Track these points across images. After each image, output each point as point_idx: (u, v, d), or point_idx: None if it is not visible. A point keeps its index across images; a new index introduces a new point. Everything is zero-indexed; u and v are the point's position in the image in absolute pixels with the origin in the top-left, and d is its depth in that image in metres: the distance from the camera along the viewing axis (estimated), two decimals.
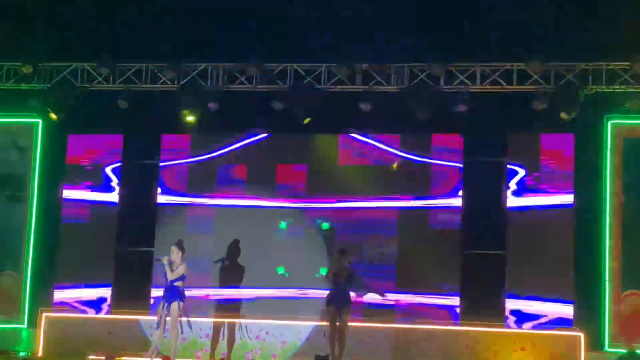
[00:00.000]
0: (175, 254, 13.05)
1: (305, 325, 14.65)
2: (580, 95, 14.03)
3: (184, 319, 12.95)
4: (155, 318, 13.25)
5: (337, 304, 12.96)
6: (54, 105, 15.16)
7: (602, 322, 14.19)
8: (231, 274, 15.09)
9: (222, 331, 14.61)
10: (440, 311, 14.63)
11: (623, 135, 14.61)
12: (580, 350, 13.74)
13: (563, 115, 13.99)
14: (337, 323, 12.94)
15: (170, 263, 12.93)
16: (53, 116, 15.09)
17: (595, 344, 13.99)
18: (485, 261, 14.87)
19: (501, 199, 14.83)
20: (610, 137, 14.57)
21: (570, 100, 14.00)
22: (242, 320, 14.70)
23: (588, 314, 14.17)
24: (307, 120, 14.57)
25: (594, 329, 14.08)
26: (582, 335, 13.83)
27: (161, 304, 12.98)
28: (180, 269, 12.98)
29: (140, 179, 16.01)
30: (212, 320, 14.71)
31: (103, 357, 13.61)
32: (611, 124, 14.60)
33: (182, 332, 12.94)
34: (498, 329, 14.18)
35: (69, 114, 15.28)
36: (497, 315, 14.37)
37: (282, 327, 14.74)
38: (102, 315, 15.28)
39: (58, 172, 16.01)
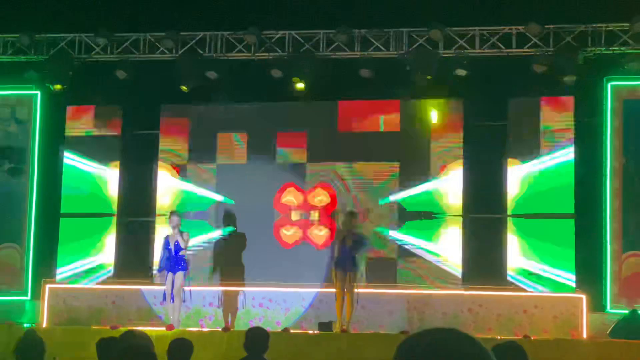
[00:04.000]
0: (179, 221, 13.05)
1: (309, 292, 14.57)
2: (579, 57, 13.92)
3: (186, 288, 12.94)
4: (162, 289, 13.22)
5: (344, 268, 12.87)
6: (52, 77, 15.01)
7: (603, 283, 14.11)
8: (232, 245, 15.03)
9: (225, 300, 14.55)
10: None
11: (623, 96, 14.47)
12: (582, 312, 13.69)
13: (563, 77, 13.89)
14: (345, 289, 12.85)
15: (180, 233, 12.95)
16: (58, 87, 14.92)
17: (597, 305, 13.92)
18: (486, 225, 14.83)
19: (502, 163, 14.74)
20: (610, 98, 14.43)
21: (569, 63, 13.88)
22: (245, 289, 14.63)
23: (590, 276, 14.10)
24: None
25: (596, 290, 14.01)
26: (584, 297, 13.77)
27: (168, 275, 12.94)
28: (186, 237, 12.97)
29: (140, 150, 15.88)
30: (216, 289, 14.63)
31: (107, 328, 13.53)
32: (611, 85, 14.44)
33: (184, 301, 12.96)
34: (501, 292, 14.13)
35: (67, 85, 15.14)
36: (499, 278, 14.32)
37: (286, 295, 14.65)
38: (105, 286, 15.19)
39: (58, 143, 15.85)
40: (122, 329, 12.23)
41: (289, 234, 15.13)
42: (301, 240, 15.09)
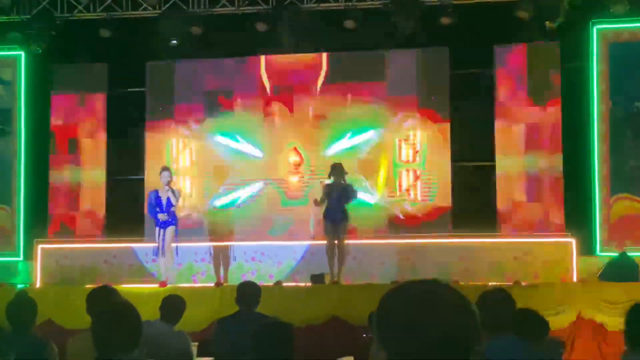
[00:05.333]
0: (170, 178, 13.05)
1: (300, 245, 14.61)
2: (564, 1, 13.84)
3: (174, 244, 12.98)
4: (153, 245, 13.25)
5: (333, 219, 12.90)
6: (35, 37, 14.90)
7: (593, 227, 14.17)
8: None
9: (219, 254, 14.59)
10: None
11: (609, 40, 14.41)
12: (572, 256, 13.76)
13: (548, 23, 13.83)
14: (335, 241, 12.88)
15: (171, 188, 12.96)
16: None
17: (587, 249, 13.97)
18: (474, 174, 14.88)
19: (490, 111, 14.75)
20: (596, 42, 14.36)
21: (554, 8, 13.81)
22: (236, 243, 14.66)
23: (579, 220, 14.17)
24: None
25: (585, 234, 14.08)
26: (573, 241, 13.83)
27: (159, 230, 12.97)
28: (177, 193, 13.02)
29: (127, 108, 15.81)
30: (207, 244, 14.66)
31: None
32: (596, 29, 14.36)
33: (177, 255, 13.03)
34: (491, 239, 14.19)
35: (51, 45, 15.04)
36: (489, 224, 14.37)
37: (277, 248, 14.69)
38: (97, 245, 15.21)
39: (44, 103, 15.76)
40: (116, 287, 12.32)
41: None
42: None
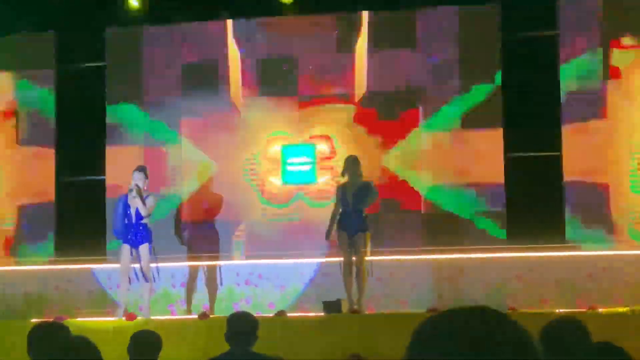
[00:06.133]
0: (142, 181, 13.02)
1: (309, 264, 14.67)
2: None
3: (152, 264, 12.99)
4: (116, 266, 13.26)
5: (349, 229, 12.90)
6: None
7: None
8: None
9: (198, 277, 14.60)
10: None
11: None
12: None
13: None
14: (353, 257, 12.88)
15: (140, 194, 12.93)
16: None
17: None
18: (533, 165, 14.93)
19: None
20: None
21: None
22: (225, 262, 14.68)
23: None
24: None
25: None
26: None
27: (125, 248, 12.97)
28: (151, 201, 12.97)
29: (82, 87, 15.87)
30: (186, 264, 14.68)
31: (51, 320, 13.60)
32: None
33: (154, 280, 13.04)
34: (559, 252, 14.17)
35: None
36: (555, 232, 14.36)
37: (279, 268, 14.74)
38: (45, 267, 15.26)
39: None
40: (72, 321, 12.36)
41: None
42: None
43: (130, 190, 12.94)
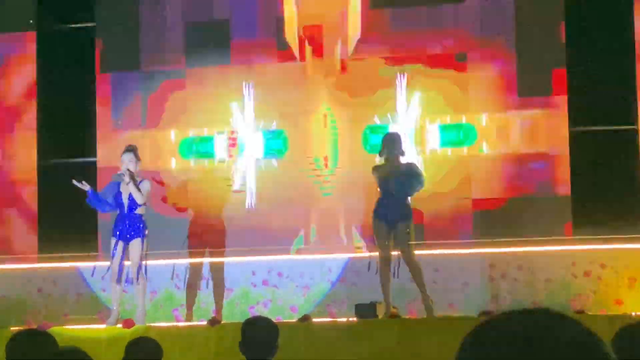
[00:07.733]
0: (134, 163, 13.04)
1: (337, 260, 14.71)
2: None
3: (144, 262, 13.01)
4: (106, 264, 13.31)
5: (388, 218, 12.92)
6: None
7: None
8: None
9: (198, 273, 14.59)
10: None
11: None
12: None
13: None
14: (392, 251, 12.90)
15: (134, 178, 12.94)
16: None
17: None
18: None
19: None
20: None
21: None
22: (237, 259, 14.69)
23: None
24: None
25: None
26: None
27: (117, 243, 13.01)
28: (146, 186, 12.99)
29: (68, 53, 15.94)
30: (189, 260, 14.70)
31: (34, 328, 13.68)
32: None
33: (145, 278, 13.07)
34: (634, 244, 14.18)
35: None
36: (628, 221, 14.36)
37: (302, 265, 14.78)
38: (27, 265, 15.34)
39: None
40: (58, 329, 12.43)
41: None
42: None
43: (121, 175, 12.94)
